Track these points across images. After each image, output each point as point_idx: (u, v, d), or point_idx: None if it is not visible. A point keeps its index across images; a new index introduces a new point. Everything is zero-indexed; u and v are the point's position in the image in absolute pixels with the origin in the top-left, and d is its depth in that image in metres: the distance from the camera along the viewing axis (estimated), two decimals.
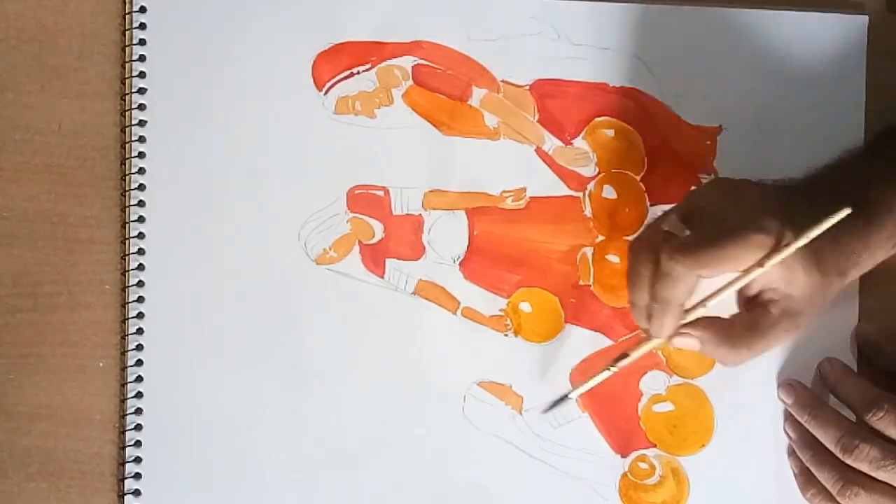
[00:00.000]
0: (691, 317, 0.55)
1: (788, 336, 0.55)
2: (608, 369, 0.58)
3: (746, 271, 0.53)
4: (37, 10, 0.63)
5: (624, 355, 0.58)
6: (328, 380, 0.62)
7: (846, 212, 0.52)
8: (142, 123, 0.63)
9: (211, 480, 0.62)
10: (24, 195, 0.63)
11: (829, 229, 0.53)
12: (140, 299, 0.62)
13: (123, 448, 0.62)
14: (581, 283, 0.63)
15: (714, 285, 0.55)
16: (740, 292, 0.55)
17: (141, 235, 0.63)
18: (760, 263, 0.53)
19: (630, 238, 0.62)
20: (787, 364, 0.62)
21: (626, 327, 0.62)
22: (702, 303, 0.55)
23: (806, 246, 0.53)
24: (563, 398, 0.60)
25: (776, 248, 0.52)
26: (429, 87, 0.63)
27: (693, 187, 0.61)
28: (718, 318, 0.56)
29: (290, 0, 0.63)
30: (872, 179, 0.56)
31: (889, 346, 0.61)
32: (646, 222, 0.57)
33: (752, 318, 0.55)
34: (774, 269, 0.53)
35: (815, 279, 0.54)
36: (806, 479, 0.59)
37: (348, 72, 0.63)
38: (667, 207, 0.62)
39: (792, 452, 0.61)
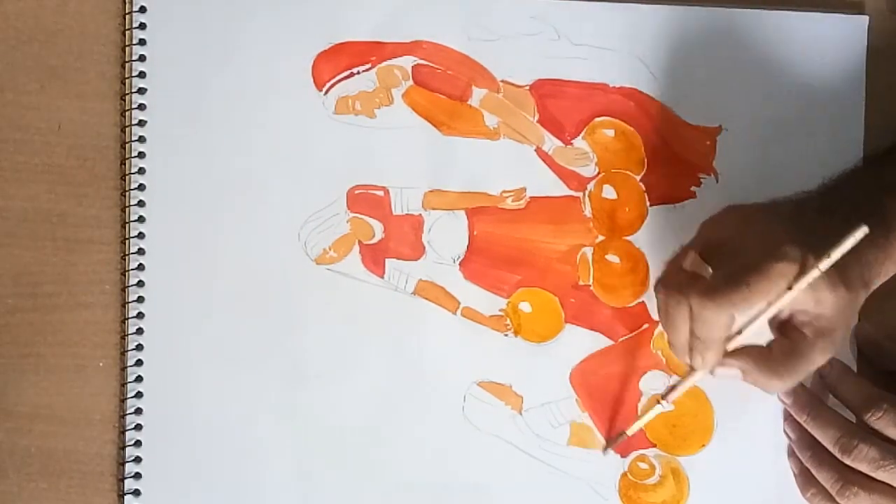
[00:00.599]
0: (730, 347, 0.55)
1: (826, 355, 0.55)
2: (660, 404, 0.59)
3: (775, 300, 0.53)
4: (37, 10, 0.63)
5: (672, 388, 0.58)
6: (328, 380, 0.62)
7: (864, 231, 0.52)
8: (142, 123, 0.63)
9: (211, 480, 0.62)
10: (24, 195, 0.63)
11: (873, 252, 0.53)
12: (140, 299, 0.63)
13: (123, 448, 0.62)
14: (581, 283, 0.63)
15: (748, 314, 0.55)
16: (772, 319, 0.55)
17: (141, 235, 0.63)
18: (788, 289, 0.52)
19: (629, 237, 0.62)
20: None
21: (626, 327, 0.62)
22: (736, 335, 0.55)
23: (834, 273, 0.53)
24: (622, 435, 0.61)
25: (801, 272, 0.52)
26: (429, 87, 0.63)
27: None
28: (757, 346, 0.56)
29: (290, 0, 0.63)
30: (888, 188, 0.56)
31: (889, 345, 0.60)
32: (666, 261, 0.58)
33: (790, 344, 0.55)
34: (802, 292, 0.53)
35: (842, 295, 0.54)
36: (805, 480, 0.59)
37: (348, 72, 0.63)
38: (667, 207, 0.62)
39: (791, 453, 0.61)
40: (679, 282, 0.55)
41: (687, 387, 0.58)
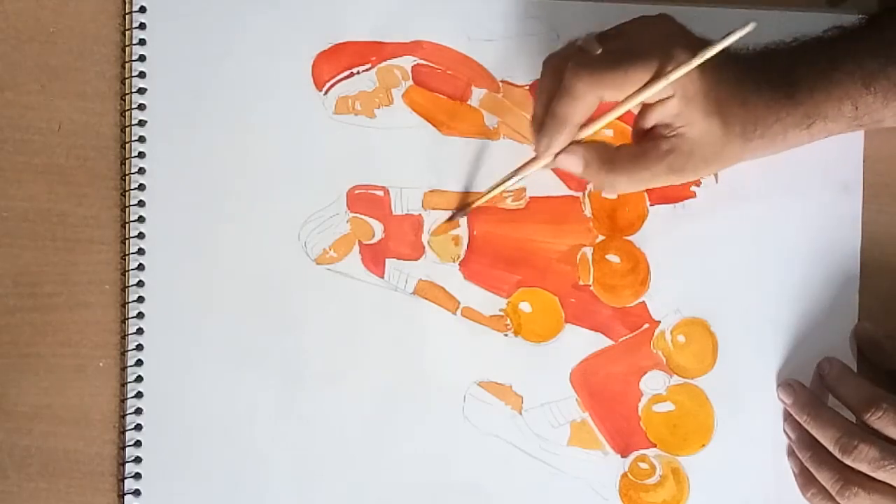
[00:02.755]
0: (580, 136, 0.55)
1: (671, 174, 0.55)
2: (507, 179, 0.58)
3: (641, 89, 0.52)
4: (37, 10, 0.63)
5: (519, 169, 0.58)
6: (328, 380, 0.62)
7: (749, 27, 0.51)
8: (142, 123, 0.63)
9: (211, 480, 0.62)
10: (24, 195, 0.63)
11: (740, 91, 0.53)
12: (140, 299, 0.63)
13: (123, 448, 0.62)
14: (581, 282, 0.63)
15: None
16: (635, 126, 0.55)
17: (141, 235, 0.63)
18: (654, 79, 0.52)
19: (630, 237, 0.62)
20: (787, 364, 0.62)
21: (626, 327, 0.62)
22: (589, 124, 0.54)
23: (711, 94, 0.53)
24: (467, 207, 0.61)
25: (658, 75, 0.52)
26: (429, 87, 0.63)
27: (693, 188, 0.61)
28: (605, 143, 0.56)
29: (290, 0, 0.63)
30: (804, 58, 0.56)
31: (889, 345, 0.60)
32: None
33: (640, 149, 0.55)
34: (673, 103, 0.52)
35: (714, 126, 0.53)
36: (805, 480, 0.59)
37: (348, 72, 0.63)
38: (667, 207, 0.62)
39: (791, 452, 0.61)
40: (565, 55, 0.54)
41: (530, 172, 0.57)
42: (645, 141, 0.55)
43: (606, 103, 0.54)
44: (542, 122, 0.55)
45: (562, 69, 0.53)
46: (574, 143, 0.55)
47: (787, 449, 0.61)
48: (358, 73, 0.63)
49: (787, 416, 0.61)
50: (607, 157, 0.55)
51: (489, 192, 0.60)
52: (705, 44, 0.53)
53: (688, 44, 0.53)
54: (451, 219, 0.62)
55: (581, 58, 0.53)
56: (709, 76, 0.53)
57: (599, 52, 0.53)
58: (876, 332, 0.61)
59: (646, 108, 0.54)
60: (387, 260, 0.63)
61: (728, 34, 0.52)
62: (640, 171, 0.55)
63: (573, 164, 0.55)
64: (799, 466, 0.60)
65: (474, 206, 0.61)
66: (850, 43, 0.57)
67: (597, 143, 0.55)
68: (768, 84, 0.55)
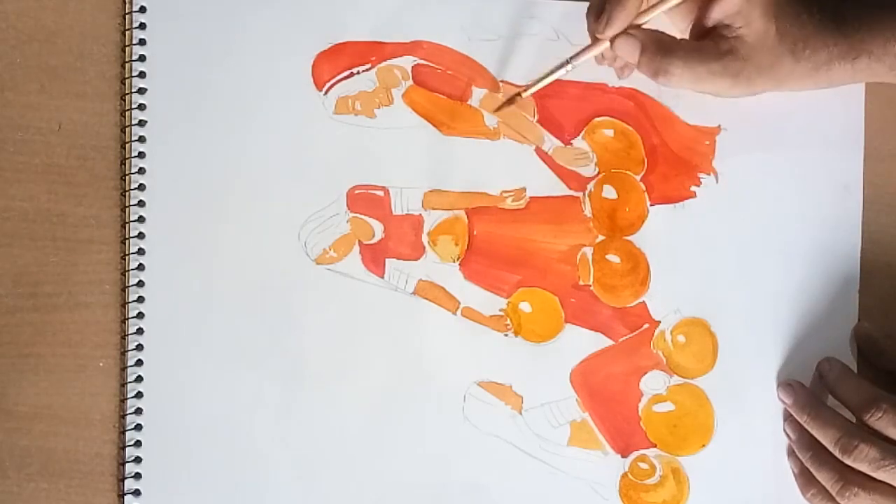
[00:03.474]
0: (641, 21, 0.55)
1: (724, 79, 0.55)
2: (564, 67, 0.58)
3: None
4: (37, 10, 0.63)
5: (576, 55, 0.58)
6: (328, 380, 0.62)
7: None
8: (142, 123, 0.63)
9: (211, 480, 0.62)
10: (24, 195, 0.63)
11: (795, 8, 0.53)
12: (140, 299, 0.63)
13: (123, 448, 0.62)
14: (581, 283, 0.63)
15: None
16: (696, 24, 0.55)
17: (141, 235, 0.63)
18: None
19: (630, 237, 0.62)
20: (787, 364, 0.62)
21: (626, 327, 0.62)
22: (652, 7, 0.55)
23: (773, 6, 0.53)
24: (516, 97, 0.60)
25: None
26: (429, 87, 0.63)
27: (693, 188, 0.61)
28: (665, 33, 0.56)
29: (289, 0, 0.63)
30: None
31: (889, 345, 0.61)
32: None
33: (699, 43, 0.55)
34: (735, 3, 0.53)
35: (770, 33, 0.54)
36: (806, 480, 0.59)
37: (348, 72, 0.63)
38: (667, 207, 0.62)
39: (791, 453, 0.61)
40: None
41: (588, 55, 0.57)
42: (703, 37, 0.56)
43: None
44: (602, 5, 0.54)
45: None
46: (632, 26, 0.55)
47: (787, 449, 0.61)
48: (358, 73, 0.63)
49: (788, 417, 0.61)
50: (666, 43, 0.55)
51: (542, 79, 0.59)
52: None
53: None
54: (507, 103, 0.61)
55: None
56: None
57: None
58: (876, 333, 0.61)
59: (708, 2, 0.54)
60: (387, 260, 0.63)
61: None
62: (696, 63, 0.55)
63: (630, 47, 0.55)
64: (799, 467, 0.60)
65: (526, 94, 0.60)
66: None
67: (656, 31, 0.55)
68: (819, 11, 0.55)
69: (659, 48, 0.55)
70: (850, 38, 0.56)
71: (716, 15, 0.55)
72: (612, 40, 0.56)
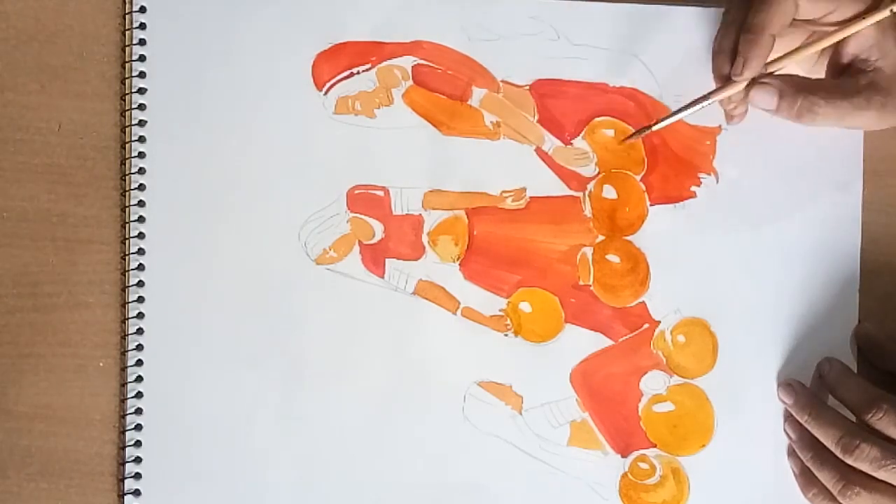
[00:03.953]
0: (773, 69, 0.53)
1: (870, 112, 0.53)
2: (695, 105, 0.57)
3: (839, 28, 0.51)
4: (37, 10, 0.63)
5: (704, 98, 0.56)
6: (328, 380, 0.62)
7: None
8: (142, 123, 0.63)
9: (211, 480, 0.62)
10: (24, 195, 0.63)
11: None
12: (140, 299, 0.63)
13: (123, 448, 0.62)
14: (581, 283, 0.63)
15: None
16: (832, 62, 0.53)
17: (141, 235, 0.63)
18: (856, 19, 0.50)
19: (630, 237, 0.62)
20: (787, 364, 0.62)
21: (626, 327, 0.62)
22: (788, 55, 0.53)
23: None
24: (646, 128, 0.59)
25: (875, 7, 0.50)
26: (429, 87, 0.63)
27: (693, 188, 0.60)
28: (800, 76, 0.54)
29: (289, 0, 0.63)
30: None
31: (890, 346, 0.60)
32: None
33: (838, 81, 0.53)
34: (869, 34, 0.51)
35: None
36: (807, 480, 0.59)
37: (348, 72, 0.63)
38: (667, 207, 0.62)
39: (792, 453, 0.61)
40: None
41: (720, 97, 0.56)
42: (841, 74, 0.54)
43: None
44: (733, 48, 0.53)
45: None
46: (765, 75, 0.53)
47: (787, 449, 0.61)
48: (358, 73, 0.63)
49: (788, 417, 0.61)
50: (804, 85, 0.54)
51: (675, 113, 0.58)
52: None
53: None
54: (631, 137, 0.60)
55: None
56: None
57: None
58: (876, 334, 0.61)
59: (842, 40, 0.53)
60: (387, 260, 0.63)
61: None
62: (839, 99, 0.53)
63: (768, 95, 0.54)
64: (800, 467, 0.60)
65: (655, 127, 0.59)
66: None
67: (791, 75, 0.53)
68: None
69: (798, 90, 0.54)
70: None
71: (851, 50, 0.54)
72: (748, 87, 0.54)
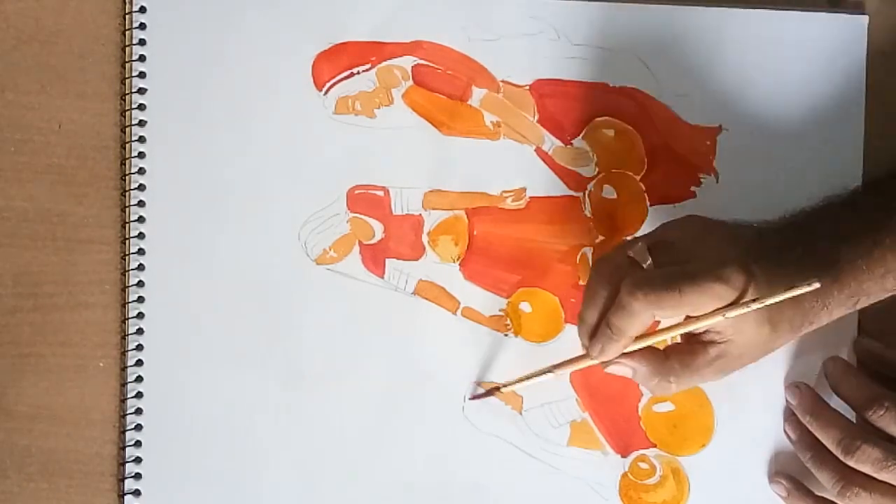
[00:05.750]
0: (632, 348, 0.55)
1: (718, 376, 0.55)
2: (544, 373, 0.58)
3: (701, 317, 0.53)
4: (37, 10, 0.63)
5: (564, 363, 0.58)
6: (328, 380, 0.62)
7: (815, 285, 0.51)
8: (142, 123, 0.63)
9: (211, 480, 0.62)
10: (24, 195, 0.63)
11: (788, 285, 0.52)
12: (140, 299, 0.63)
13: (123, 448, 0.62)
14: (581, 283, 0.63)
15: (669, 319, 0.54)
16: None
17: (141, 235, 0.63)
18: (717, 314, 0.52)
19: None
20: (787, 364, 0.62)
21: None
22: (644, 338, 0.54)
23: (766, 311, 0.53)
24: (495, 389, 0.61)
25: (737, 300, 0.52)
26: (429, 87, 0.63)
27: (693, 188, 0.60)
28: (654, 349, 0.55)
29: (290, 0, 0.63)
30: (844, 237, 0.56)
31: (889, 355, 0.60)
32: (618, 244, 0.58)
33: (688, 355, 0.55)
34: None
35: (764, 333, 0.54)
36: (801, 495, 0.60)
37: (348, 72, 0.63)
38: (667, 207, 0.62)
39: (789, 416, 0.61)
40: (617, 264, 0.54)
41: (575, 368, 0.57)
42: (692, 342, 0.55)
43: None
44: (596, 329, 0.54)
45: (614, 278, 0.53)
46: (623, 353, 0.55)
47: (784, 413, 0.61)
48: (358, 73, 0.63)
49: (788, 417, 0.61)
50: (657, 364, 0.55)
51: (525, 378, 0.59)
52: (752, 249, 0.54)
53: (738, 258, 0.52)
54: (485, 394, 0.62)
55: (636, 275, 0.53)
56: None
57: (650, 263, 0.53)
58: (876, 346, 0.61)
59: (693, 318, 0.53)
60: (387, 260, 0.63)
61: (792, 287, 0.51)
62: (689, 377, 0.55)
63: (623, 373, 0.55)
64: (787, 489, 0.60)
65: (507, 388, 0.61)
66: (886, 215, 0.56)
67: (645, 350, 0.55)
68: (814, 273, 0.53)
69: (652, 371, 0.55)
70: (848, 288, 0.55)
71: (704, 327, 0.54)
72: (604, 364, 0.56)
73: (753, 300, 0.52)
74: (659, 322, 0.54)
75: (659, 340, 0.55)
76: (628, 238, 0.57)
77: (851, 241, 0.56)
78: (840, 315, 0.57)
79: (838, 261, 0.55)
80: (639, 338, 0.55)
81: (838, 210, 0.59)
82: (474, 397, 0.62)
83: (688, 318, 0.53)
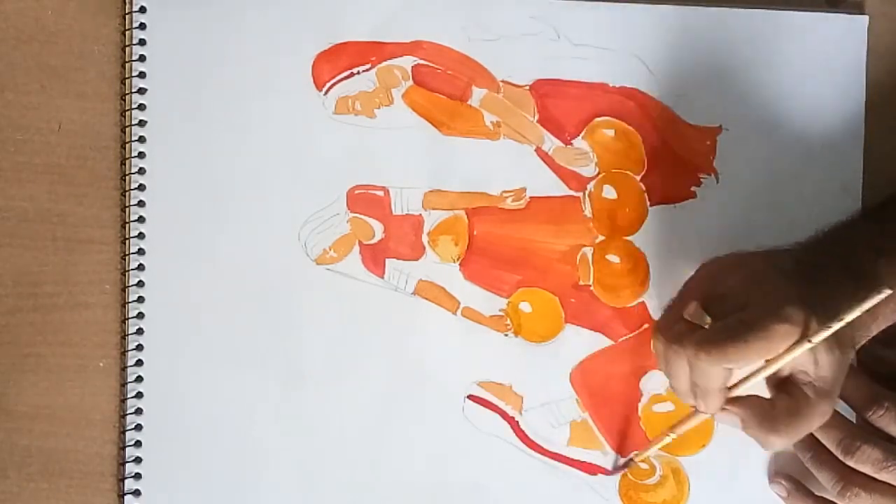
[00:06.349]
0: (734, 394, 0.55)
1: (827, 416, 0.55)
2: (668, 436, 0.59)
3: (775, 360, 0.53)
4: (37, 10, 0.63)
5: (680, 422, 0.59)
6: (328, 380, 0.62)
7: (886, 292, 0.52)
8: (142, 123, 0.63)
9: (211, 480, 0.62)
10: (24, 195, 0.63)
11: (842, 306, 0.52)
12: (140, 299, 0.63)
13: (123, 448, 0.62)
14: (581, 283, 0.63)
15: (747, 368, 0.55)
16: (772, 376, 0.55)
17: (141, 235, 0.63)
18: (788, 351, 0.53)
19: (630, 237, 0.62)
20: None
21: (626, 327, 0.62)
22: (736, 386, 0.55)
23: (833, 339, 0.53)
24: (630, 461, 0.61)
25: (803, 335, 0.52)
26: (429, 87, 0.63)
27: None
28: (760, 398, 0.56)
29: (290, 0, 0.63)
30: (881, 249, 0.56)
31: (890, 355, 0.60)
32: (665, 305, 0.59)
33: (793, 403, 0.55)
34: (801, 354, 0.53)
35: (837, 356, 0.54)
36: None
37: (348, 72, 0.63)
38: (667, 207, 0.62)
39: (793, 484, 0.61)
40: (678, 332, 0.55)
41: (693, 424, 0.58)
42: (789, 388, 0.55)
43: None
44: (692, 390, 0.55)
45: (677, 344, 0.54)
46: (730, 400, 0.55)
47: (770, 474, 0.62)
48: (358, 73, 0.63)
49: None
50: (764, 414, 0.55)
51: (652, 446, 0.60)
52: (796, 280, 0.54)
53: (790, 295, 0.53)
54: (624, 466, 0.62)
55: (698, 335, 0.53)
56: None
57: (709, 321, 0.54)
58: (876, 347, 0.61)
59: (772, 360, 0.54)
60: (387, 260, 0.63)
61: (865, 299, 0.52)
62: (800, 424, 0.55)
63: (731, 420, 0.56)
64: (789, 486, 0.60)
65: (639, 459, 0.61)
66: None
67: (751, 398, 0.56)
68: (858, 288, 0.53)
69: (760, 421, 0.55)
70: (893, 301, 0.55)
71: (788, 370, 0.55)
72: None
73: (838, 320, 0.52)
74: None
75: (753, 382, 0.55)
76: (674, 300, 0.57)
77: (888, 254, 0.56)
78: (887, 324, 0.57)
79: (878, 274, 0.55)
80: (734, 386, 0.55)
81: (869, 223, 0.59)
82: (616, 469, 0.62)
83: (768, 361, 0.54)
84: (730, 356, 0.52)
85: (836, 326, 0.52)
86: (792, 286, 0.54)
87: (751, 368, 0.55)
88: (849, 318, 0.52)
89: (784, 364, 0.53)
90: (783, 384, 0.55)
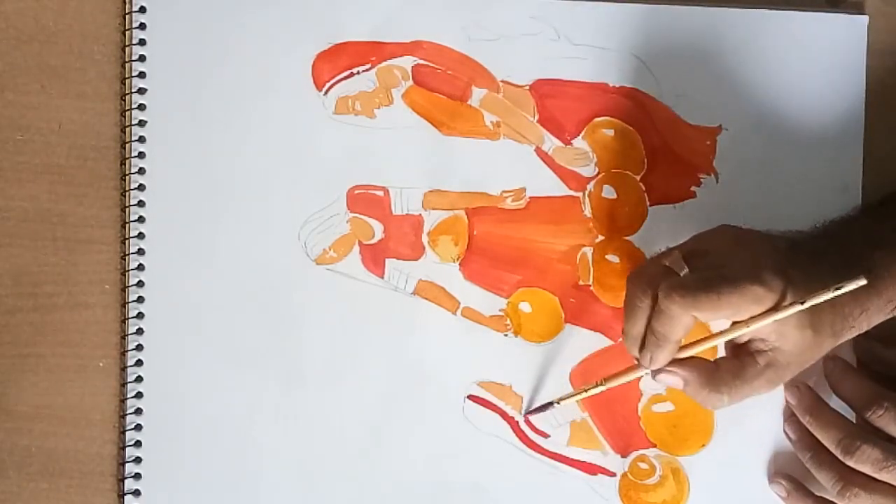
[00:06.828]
0: (681, 355, 0.55)
1: (770, 387, 0.55)
2: (596, 385, 0.58)
3: (742, 324, 0.53)
4: (37, 10, 0.63)
5: (614, 376, 0.58)
6: (328, 380, 0.62)
7: (861, 282, 0.52)
8: (142, 123, 0.63)
9: (211, 480, 0.62)
10: (24, 195, 0.63)
11: (836, 284, 0.52)
12: (140, 299, 0.63)
13: (123, 448, 0.62)
14: (581, 283, 0.63)
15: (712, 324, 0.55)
16: (729, 341, 0.55)
17: (141, 235, 0.63)
18: (758, 318, 0.53)
19: (630, 237, 0.62)
20: None
21: None
22: (692, 345, 0.55)
23: (806, 315, 0.53)
24: (549, 404, 0.61)
25: (776, 306, 0.52)
26: (429, 87, 0.63)
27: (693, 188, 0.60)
28: (704, 359, 0.56)
29: (289, 0, 0.63)
30: (878, 243, 0.56)
31: (890, 355, 0.60)
32: (649, 256, 0.58)
33: (738, 366, 0.55)
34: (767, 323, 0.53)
35: (807, 337, 0.54)
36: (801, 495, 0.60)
37: (348, 72, 0.63)
38: (667, 207, 0.62)
39: (789, 415, 0.61)
40: (653, 273, 0.55)
41: (628, 379, 0.58)
42: (740, 353, 0.55)
43: None
44: (643, 340, 0.55)
45: (652, 287, 0.54)
46: (674, 361, 0.55)
47: (783, 412, 0.61)
48: (358, 73, 0.63)
49: (788, 417, 0.61)
50: (707, 375, 0.55)
51: (578, 392, 0.59)
52: (787, 257, 0.54)
53: (774, 263, 0.53)
54: (541, 409, 0.61)
55: (672, 280, 0.53)
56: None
57: (686, 271, 0.54)
58: (876, 346, 0.61)
59: (739, 324, 0.54)
60: (387, 260, 0.63)
61: (839, 285, 0.52)
62: (740, 388, 0.55)
63: (674, 382, 0.56)
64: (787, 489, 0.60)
65: (559, 401, 0.60)
66: None
67: (696, 360, 0.56)
68: (851, 278, 0.53)
69: (702, 381, 0.55)
70: (886, 292, 0.55)
71: (747, 335, 0.55)
72: (655, 371, 0.56)
73: (803, 301, 0.52)
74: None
75: (707, 348, 0.55)
76: (662, 250, 0.57)
77: (885, 248, 0.56)
78: (878, 321, 0.57)
79: (874, 267, 0.55)
80: (686, 346, 0.55)
81: (868, 218, 0.59)
82: (530, 412, 0.62)
83: (734, 324, 0.54)
84: (700, 305, 0.52)
85: (809, 304, 0.52)
86: (781, 259, 0.54)
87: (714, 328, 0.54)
88: (821, 298, 0.52)
89: (747, 332, 0.53)
90: (736, 349, 0.56)
